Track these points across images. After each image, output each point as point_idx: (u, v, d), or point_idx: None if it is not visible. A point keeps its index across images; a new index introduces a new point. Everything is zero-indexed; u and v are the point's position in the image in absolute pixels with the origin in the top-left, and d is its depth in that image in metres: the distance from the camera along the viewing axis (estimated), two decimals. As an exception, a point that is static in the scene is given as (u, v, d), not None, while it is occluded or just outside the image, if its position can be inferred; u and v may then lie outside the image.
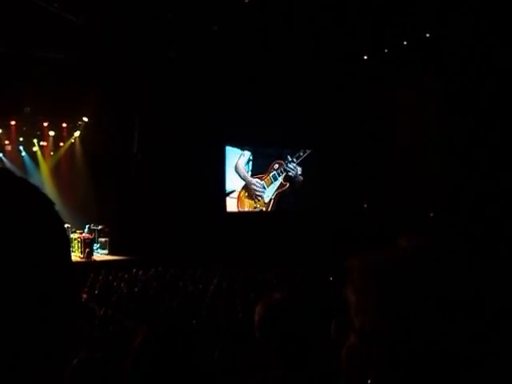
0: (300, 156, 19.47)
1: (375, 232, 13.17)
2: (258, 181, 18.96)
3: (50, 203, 0.64)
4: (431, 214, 15.34)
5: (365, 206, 17.72)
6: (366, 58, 15.63)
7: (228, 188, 18.57)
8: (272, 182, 19.18)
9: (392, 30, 13.66)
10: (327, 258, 13.05)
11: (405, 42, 14.36)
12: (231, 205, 18.64)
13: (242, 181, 18.81)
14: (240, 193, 18.75)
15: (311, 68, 15.76)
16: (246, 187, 18.86)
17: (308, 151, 19.50)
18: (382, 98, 16.85)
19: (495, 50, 12.90)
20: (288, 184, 19.33)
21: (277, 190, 19.30)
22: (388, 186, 16.84)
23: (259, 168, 19.05)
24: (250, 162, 18.89)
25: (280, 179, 19.27)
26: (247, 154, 18.80)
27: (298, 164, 19.56)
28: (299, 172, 19.54)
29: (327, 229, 16.81)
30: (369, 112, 17.19)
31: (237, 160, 18.67)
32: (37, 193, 0.64)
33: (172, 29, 13.10)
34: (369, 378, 0.68)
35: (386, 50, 14.97)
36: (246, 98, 16.17)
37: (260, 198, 19.01)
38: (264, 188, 19.07)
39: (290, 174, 19.40)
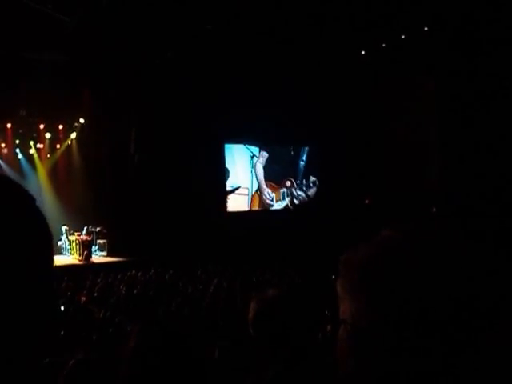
0: (309, 185, 19.59)
1: (377, 228, 13.14)
2: (270, 192, 19.19)
3: (30, 198, 0.64)
4: (434, 209, 15.36)
5: (366, 202, 17.71)
6: (363, 53, 15.63)
7: (232, 184, 18.54)
8: (280, 200, 19.48)
9: (390, 25, 13.64)
10: (328, 256, 13.02)
11: (403, 36, 14.33)
12: (238, 202, 18.63)
13: (257, 182, 19.01)
14: (255, 193, 18.92)
15: (311, 63, 15.70)
16: (260, 190, 19.01)
17: (316, 179, 19.57)
18: (384, 94, 16.85)
19: (494, 46, 12.89)
20: (292, 208, 19.53)
21: (283, 207, 19.51)
22: (390, 181, 16.84)
23: (273, 173, 19.18)
24: (266, 164, 19.07)
25: (287, 201, 19.53)
26: (265, 156, 18.95)
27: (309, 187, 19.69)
28: (307, 196, 19.62)
29: (328, 226, 16.78)
30: (371, 108, 17.17)
31: (255, 161, 18.89)
32: (16, 188, 0.63)
33: (167, 28, 13.06)
34: (356, 369, 0.66)
35: (383, 45, 14.95)
36: (243, 94, 16.12)
37: (269, 208, 19.27)
38: (273, 201, 19.33)
39: (296, 201, 19.59)
